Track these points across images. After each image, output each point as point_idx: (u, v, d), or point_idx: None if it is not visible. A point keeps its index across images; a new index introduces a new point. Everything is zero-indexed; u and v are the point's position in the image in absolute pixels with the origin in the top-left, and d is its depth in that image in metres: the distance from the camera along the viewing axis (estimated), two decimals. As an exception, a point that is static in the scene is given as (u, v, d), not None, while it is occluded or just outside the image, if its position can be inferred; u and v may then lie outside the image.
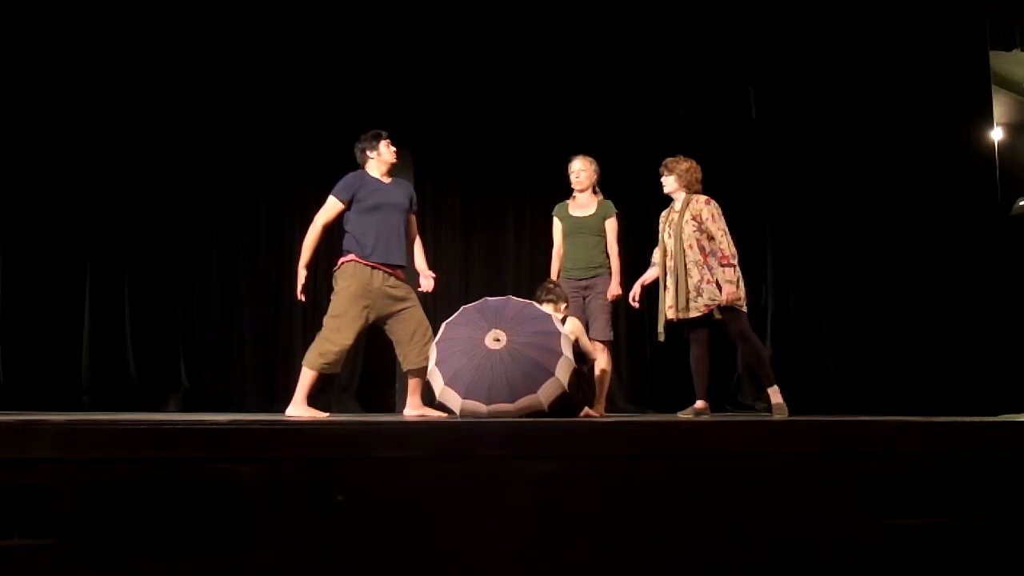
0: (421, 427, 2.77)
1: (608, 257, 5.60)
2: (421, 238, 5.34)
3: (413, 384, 5.00)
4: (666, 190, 5.51)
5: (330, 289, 5.02)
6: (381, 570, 2.34)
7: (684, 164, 5.45)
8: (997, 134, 8.03)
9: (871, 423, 3.07)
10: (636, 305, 5.70)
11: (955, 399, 6.76)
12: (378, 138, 5.10)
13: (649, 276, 5.65)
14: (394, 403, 7.08)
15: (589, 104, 7.65)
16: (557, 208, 5.77)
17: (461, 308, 4.51)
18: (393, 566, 2.34)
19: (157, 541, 2.23)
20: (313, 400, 4.90)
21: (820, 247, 7.95)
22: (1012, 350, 7.30)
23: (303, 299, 5.07)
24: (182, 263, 7.20)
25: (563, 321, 4.83)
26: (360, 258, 4.84)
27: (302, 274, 4.96)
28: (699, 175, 5.48)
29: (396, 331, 4.94)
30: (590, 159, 5.69)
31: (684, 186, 5.43)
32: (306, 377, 4.82)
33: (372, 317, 4.87)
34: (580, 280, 5.55)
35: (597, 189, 5.72)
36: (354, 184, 4.99)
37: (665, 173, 5.49)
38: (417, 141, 7.18)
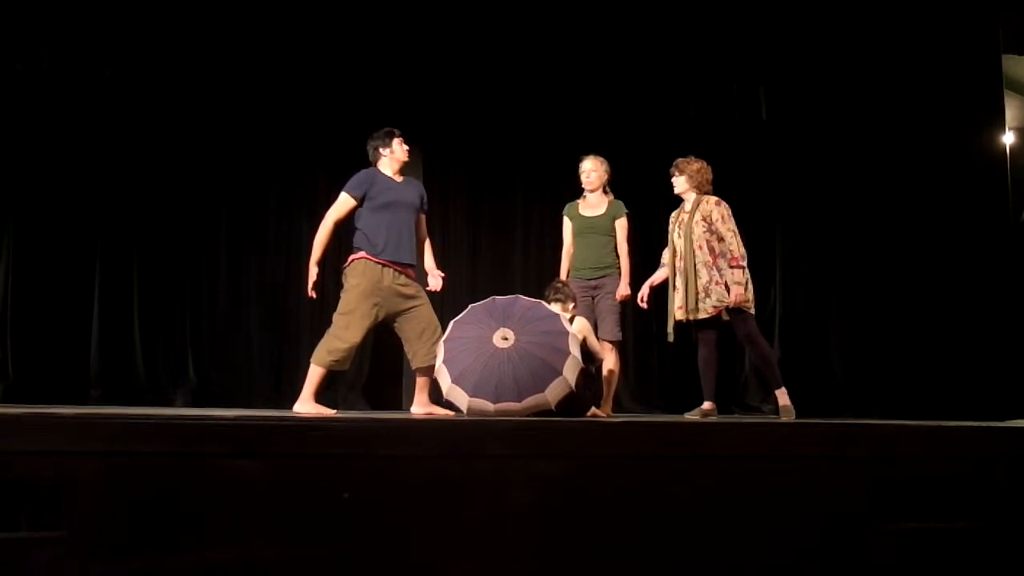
0: (428, 425, 2.78)
1: (618, 257, 5.60)
2: (430, 237, 5.34)
3: (421, 382, 5.00)
4: (676, 190, 5.51)
5: (339, 286, 5.02)
6: (386, 567, 2.34)
7: (695, 165, 5.45)
8: (1008, 138, 8.00)
9: (878, 426, 3.07)
10: (644, 306, 5.69)
11: (964, 404, 6.74)
12: (391, 136, 5.10)
13: (658, 277, 5.65)
14: (401, 401, 7.08)
15: (599, 104, 7.64)
16: (567, 208, 5.78)
17: (469, 307, 4.51)
18: (398, 563, 2.35)
19: (164, 535, 2.24)
20: (320, 397, 4.89)
21: (829, 250, 7.93)
22: (1022, 355, 7.27)
23: (314, 296, 5.07)
24: (191, 259, 7.21)
25: (571, 320, 4.84)
26: (371, 256, 4.84)
27: (313, 271, 4.96)
28: (709, 176, 5.48)
29: (405, 329, 4.94)
30: (601, 159, 5.69)
31: (694, 187, 5.43)
32: (314, 374, 4.82)
33: (381, 315, 4.87)
34: (589, 280, 5.55)
35: (607, 189, 5.72)
36: (367, 181, 4.98)
37: (676, 174, 5.49)
38: (427, 140, 7.17)
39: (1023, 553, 2.72)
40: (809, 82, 7.85)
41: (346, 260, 4.97)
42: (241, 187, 7.34)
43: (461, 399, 4.27)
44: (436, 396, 4.82)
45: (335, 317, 4.86)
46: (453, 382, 4.26)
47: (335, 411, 5.12)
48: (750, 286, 5.26)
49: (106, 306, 6.97)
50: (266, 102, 7.28)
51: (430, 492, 2.40)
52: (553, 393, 4.23)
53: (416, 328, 4.91)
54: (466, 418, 4.06)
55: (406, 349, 5.02)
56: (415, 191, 5.13)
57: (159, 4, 6.94)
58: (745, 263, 5.24)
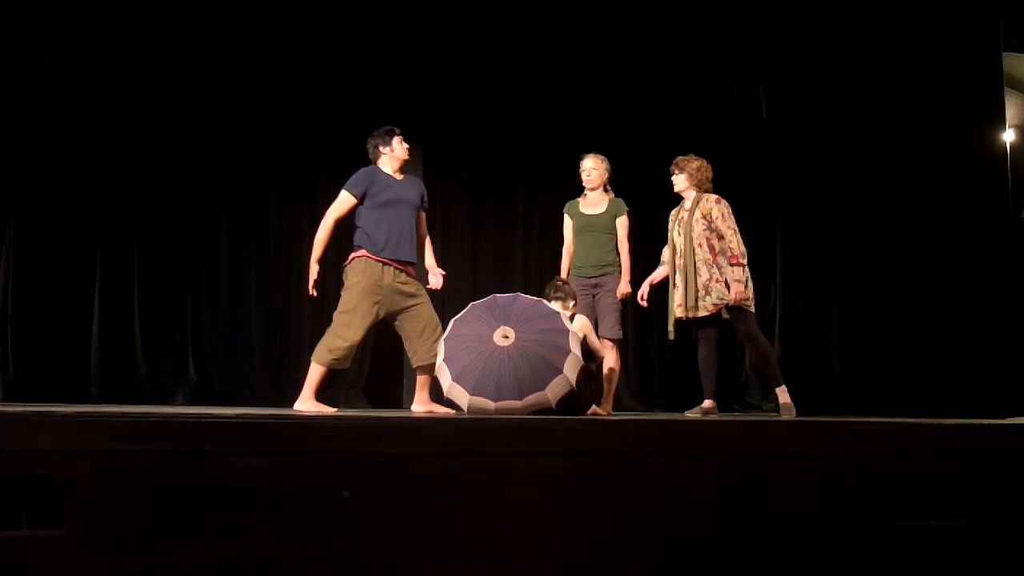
0: (428, 423, 2.78)
1: (618, 255, 5.61)
2: (430, 235, 5.34)
3: (421, 380, 5.00)
4: (676, 188, 5.51)
5: (340, 284, 5.02)
6: (386, 565, 2.34)
7: (695, 163, 5.45)
8: (1009, 136, 8.00)
9: (878, 424, 3.07)
10: (645, 304, 5.70)
11: (964, 402, 6.74)
12: (391, 134, 5.10)
13: (658, 275, 5.65)
14: (402, 399, 7.08)
15: (600, 103, 7.65)
16: (568, 206, 5.78)
17: (470, 305, 4.50)
18: (398, 561, 2.35)
19: (164, 533, 2.24)
20: (321, 395, 4.90)
21: (829, 248, 7.93)
22: (1022, 353, 7.28)
23: (315, 294, 5.08)
24: (191, 257, 7.21)
25: (571, 319, 4.83)
26: (371, 254, 4.84)
27: (314, 269, 4.96)
28: (709, 174, 5.48)
29: (406, 327, 4.94)
30: (601, 157, 5.70)
31: (694, 185, 5.43)
32: (314, 372, 4.83)
33: (382, 313, 4.87)
34: (590, 278, 5.56)
35: (608, 187, 5.72)
36: (367, 179, 4.99)
37: (676, 172, 5.49)
38: (428, 137, 7.17)
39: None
40: (809, 80, 7.86)
41: (347, 258, 4.97)
42: (241, 185, 7.34)
43: (462, 397, 4.26)
44: (437, 394, 4.82)
45: (336, 315, 4.87)
46: (454, 380, 4.26)
47: (336, 409, 5.12)
48: (750, 284, 5.26)
49: (107, 304, 6.97)
50: (266, 101, 7.28)
51: (430, 490, 2.40)
52: (554, 391, 4.23)
53: (417, 326, 4.91)
54: (467, 416, 4.06)
55: (406, 347, 5.02)
56: (415, 189, 5.13)
57: (159, 4, 6.94)
58: (745, 261, 5.24)
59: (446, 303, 6.34)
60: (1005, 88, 7.89)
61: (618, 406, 6.48)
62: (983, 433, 2.94)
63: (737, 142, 7.84)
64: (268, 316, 7.30)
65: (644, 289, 5.66)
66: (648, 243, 6.96)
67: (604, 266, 5.57)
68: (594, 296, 5.54)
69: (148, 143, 7.13)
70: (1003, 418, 6.36)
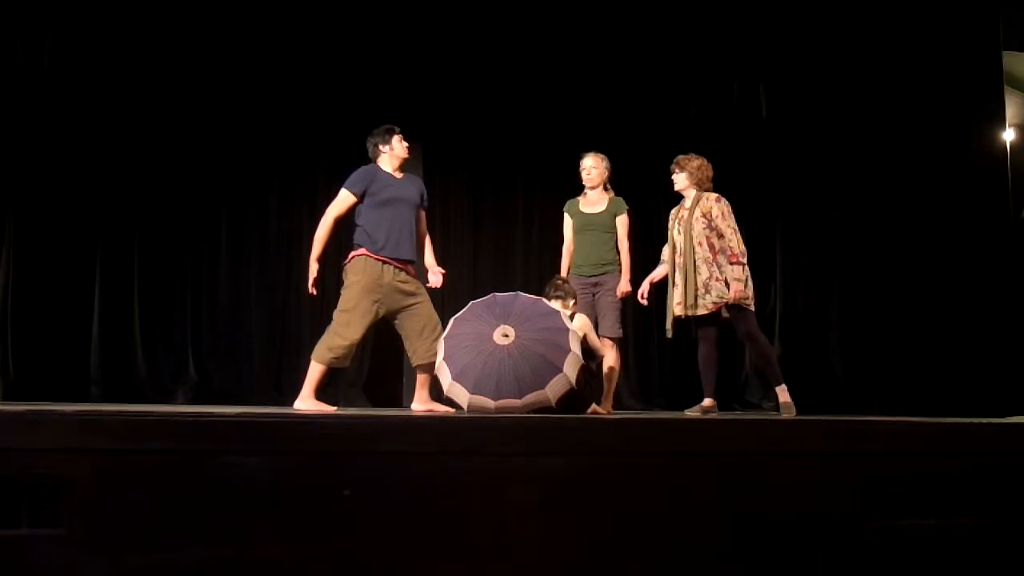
0: (428, 422, 2.78)
1: (618, 254, 5.60)
2: (430, 233, 5.34)
3: (421, 379, 5.01)
4: (677, 187, 5.51)
5: (340, 283, 5.02)
6: (386, 564, 2.34)
7: (695, 162, 5.45)
8: (1009, 135, 8.00)
9: (878, 423, 3.07)
10: (645, 302, 5.69)
11: (964, 401, 6.74)
12: (391, 133, 5.11)
13: (658, 273, 5.65)
14: (402, 398, 7.08)
15: (601, 102, 7.65)
16: (568, 204, 5.77)
17: (469, 303, 4.50)
18: (398, 560, 2.35)
19: (164, 532, 2.24)
20: (321, 394, 4.90)
21: (829, 247, 7.93)
22: (1022, 352, 7.28)
23: (315, 292, 5.08)
24: (191, 256, 7.22)
25: (571, 317, 4.83)
26: (371, 252, 4.85)
27: (314, 267, 4.97)
28: (710, 173, 5.48)
29: (405, 326, 4.95)
30: (601, 156, 5.69)
31: (695, 183, 5.43)
32: (314, 371, 4.84)
33: (382, 312, 4.87)
34: (590, 277, 5.55)
35: (608, 186, 5.71)
36: (367, 178, 4.99)
37: (676, 170, 5.49)
38: (427, 136, 7.17)
39: None
40: (809, 80, 7.86)
41: (347, 257, 4.97)
42: (241, 185, 7.34)
43: (462, 396, 4.26)
44: (436, 393, 4.82)
45: (335, 314, 4.87)
46: (454, 379, 4.26)
47: (335, 408, 5.13)
48: (750, 283, 5.27)
49: (107, 303, 6.98)
50: (266, 100, 7.28)
51: (430, 490, 2.40)
52: (554, 390, 4.22)
53: (416, 325, 4.91)
54: (466, 415, 4.06)
55: (406, 346, 5.03)
56: (415, 188, 5.13)
57: (160, 2, 6.94)
58: (745, 260, 5.24)
59: (446, 302, 6.34)
60: (1005, 88, 7.89)
61: (618, 405, 6.48)
62: (983, 433, 2.94)
63: (737, 142, 7.84)
64: (268, 316, 7.30)
65: (644, 288, 5.66)
66: (648, 242, 6.96)
67: (604, 265, 5.56)
68: (594, 295, 5.54)
69: (148, 143, 7.13)
70: (1003, 418, 6.36)
